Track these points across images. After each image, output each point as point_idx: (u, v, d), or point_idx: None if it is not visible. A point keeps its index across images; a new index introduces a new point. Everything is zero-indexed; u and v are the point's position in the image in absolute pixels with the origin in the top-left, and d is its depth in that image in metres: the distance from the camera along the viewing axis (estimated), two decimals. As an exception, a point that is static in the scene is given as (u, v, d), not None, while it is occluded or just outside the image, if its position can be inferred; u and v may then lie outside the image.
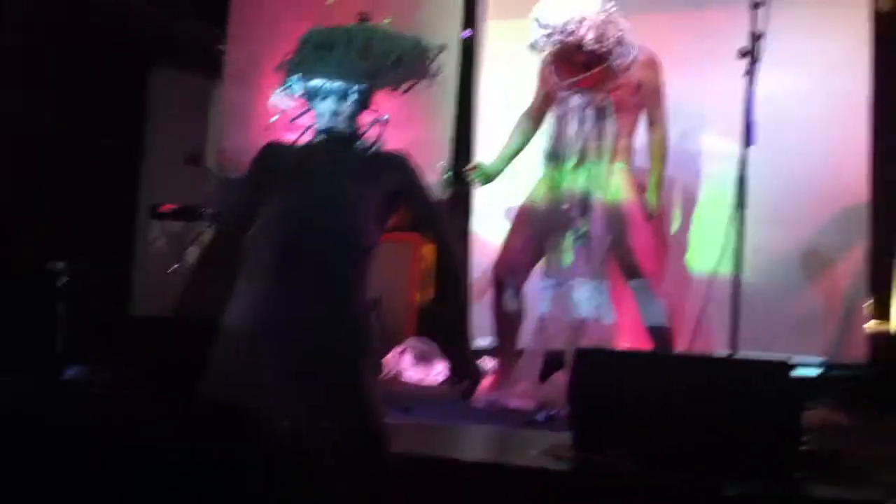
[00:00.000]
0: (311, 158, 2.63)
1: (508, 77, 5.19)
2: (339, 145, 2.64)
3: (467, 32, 5.51)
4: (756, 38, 3.82)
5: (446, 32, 5.31)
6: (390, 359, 5.07)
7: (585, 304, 4.30)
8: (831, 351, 4.59)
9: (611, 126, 4.34)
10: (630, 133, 4.41)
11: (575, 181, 4.35)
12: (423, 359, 5.08)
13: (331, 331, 2.48)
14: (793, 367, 2.89)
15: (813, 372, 4.44)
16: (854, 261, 4.61)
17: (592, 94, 4.35)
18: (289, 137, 2.73)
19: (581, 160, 4.35)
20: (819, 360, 4.54)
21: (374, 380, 2.61)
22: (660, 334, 4.23)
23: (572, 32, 4.17)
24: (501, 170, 4.58)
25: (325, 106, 2.63)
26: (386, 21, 2.72)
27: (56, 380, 4.15)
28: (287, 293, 2.48)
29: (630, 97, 4.35)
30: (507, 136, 4.61)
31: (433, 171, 5.23)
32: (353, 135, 2.65)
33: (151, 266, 5.35)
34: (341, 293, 2.51)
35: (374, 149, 2.65)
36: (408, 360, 5.06)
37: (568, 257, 4.36)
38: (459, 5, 5.34)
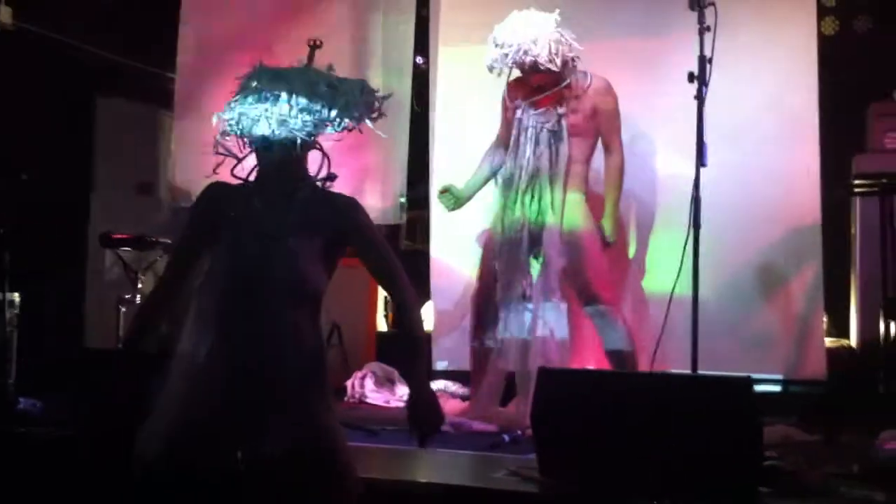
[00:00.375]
0: (255, 202, 2.54)
1: (462, 102, 5.21)
2: (283, 188, 2.56)
3: (420, 59, 5.54)
4: (704, 61, 3.87)
5: (400, 57, 5.32)
6: (352, 383, 5.04)
7: (542, 325, 4.31)
8: (789, 368, 4.64)
9: (565, 150, 4.38)
10: (586, 159, 4.45)
11: (528, 206, 4.38)
12: (385, 382, 5.05)
13: (280, 372, 2.43)
14: (753, 383, 2.91)
15: (772, 388, 4.48)
16: (808, 279, 4.66)
17: (547, 117, 4.39)
18: (233, 178, 2.64)
19: (533, 184, 4.38)
20: (778, 376, 4.59)
21: (332, 413, 2.54)
22: (620, 358, 4.25)
23: (527, 51, 4.22)
24: (470, 196, 4.63)
25: (269, 154, 2.55)
26: (327, 66, 2.65)
27: (9, 413, 4.07)
28: (234, 338, 2.43)
29: (585, 122, 4.39)
30: (477, 164, 4.66)
31: (389, 196, 5.23)
32: (298, 177, 2.58)
33: (104, 296, 5.25)
34: (288, 337, 2.45)
35: (318, 192, 2.58)
36: (370, 383, 5.02)
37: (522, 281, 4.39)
38: (411, 31, 5.35)
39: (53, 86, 5.55)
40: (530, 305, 4.35)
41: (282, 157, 2.52)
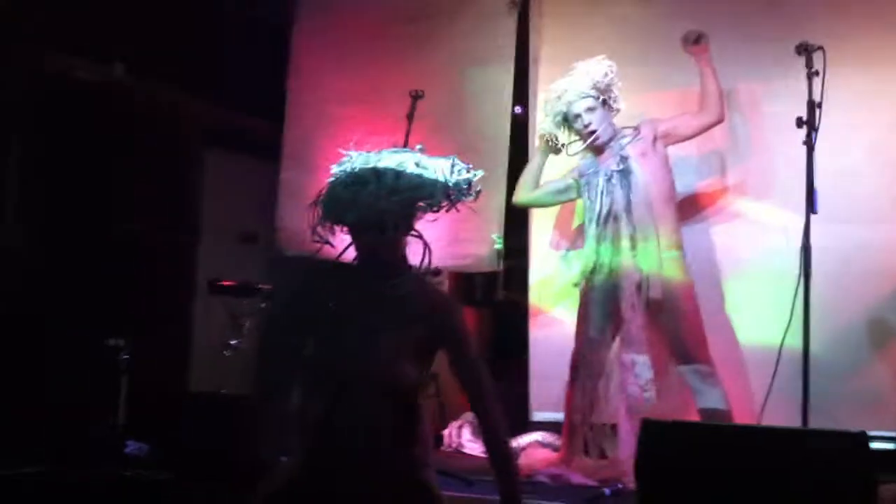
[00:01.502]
0: (353, 293, 2.60)
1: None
2: (381, 275, 2.59)
3: (519, 108, 5.56)
4: (813, 106, 3.81)
5: (498, 106, 5.36)
6: (449, 433, 5.03)
7: (634, 380, 4.23)
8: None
9: (639, 182, 4.34)
10: (667, 197, 4.39)
11: (611, 254, 4.36)
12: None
13: (383, 476, 2.48)
14: (869, 438, 2.80)
15: (886, 446, 4.31)
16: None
17: (610, 158, 4.44)
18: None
19: (611, 227, 4.34)
20: (891, 434, 4.41)
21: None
22: (715, 417, 4.14)
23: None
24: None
25: (364, 239, 2.58)
26: (418, 148, 2.67)
27: (119, 455, 4.17)
28: (333, 432, 2.51)
29: (651, 147, 4.40)
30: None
31: (486, 242, 5.24)
32: (395, 264, 2.60)
33: (210, 340, 5.38)
34: (388, 437, 2.51)
35: (417, 284, 2.60)
36: (466, 433, 5.01)
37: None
38: (510, 81, 5.39)
39: (163, 139, 5.76)
40: (627, 359, 4.28)
41: (376, 242, 2.54)
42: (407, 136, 4.70)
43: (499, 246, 5.38)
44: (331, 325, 2.55)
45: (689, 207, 4.77)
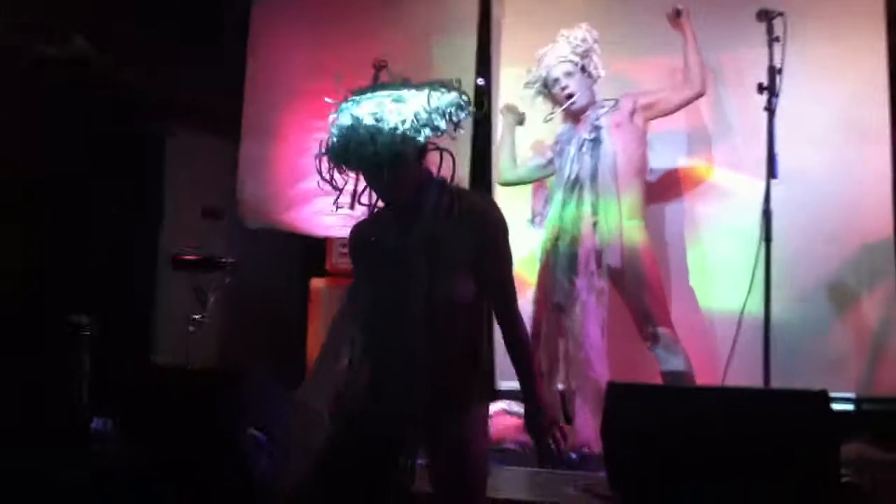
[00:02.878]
0: (386, 233, 2.62)
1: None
2: (406, 203, 2.60)
3: (482, 80, 5.55)
4: (774, 72, 3.83)
5: (462, 79, 5.33)
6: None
7: (590, 347, 4.26)
8: (862, 386, 4.53)
9: (608, 153, 4.35)
10: (637, 170, 4.41)
11: (574, 221, 4.40)
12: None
13: (444, 384, 2.56)
14: (831, 398, 2.84)
15: (845, 407, 4.38)
16: (881, 295, 4.56)
17: (584, 125, 4.47)
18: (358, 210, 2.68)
19: (576, 195, 4.36)
20: (851, 395, 4.49)
21: (485, 431, 2.69)
22: (678, 379, 4.20)
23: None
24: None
25: (373, 179, 2.58)
26: (400, 80, 2.64)
27: (84, 432, 4.14)
28: (386, 360, 2.59)
29: (628, 119, 4.41)
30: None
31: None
32: (414, 189, 2.58)
33: (173, 317, 5.34)
34: (448, 351, 2.56)
35: (448, 198, 2.59)
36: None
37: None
38: (473, 53, 5.37)
39: (125, 115, 5.68)
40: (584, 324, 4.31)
41: (385, 178, 2.53)
42: (369, 107, 4.66)
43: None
44: (372, 259, 2.62)
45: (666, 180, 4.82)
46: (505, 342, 2.70)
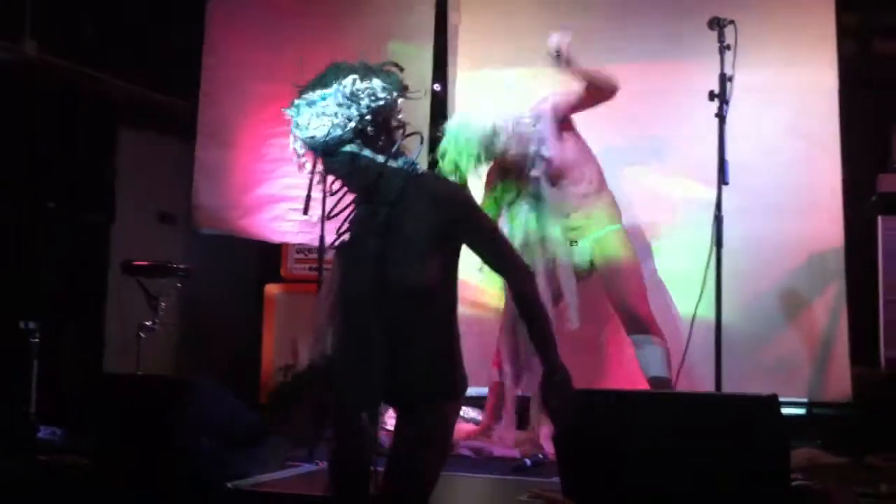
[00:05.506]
0: (356, 226, 2.65)
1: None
2: (371, 200, 2.61)
3: (438, 85, 5.55)
4: (724, 79, 3.87)
5: (418, 84, 5.32)
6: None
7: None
8: (813, 391, 4.59)
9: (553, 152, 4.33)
10: (594, 181, 4.41)
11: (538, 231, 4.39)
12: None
13: (415, 372, 2.57)
14: (781, 403, 2.87)
15: (796, 411, 4.43)
16: (831, 300, 4.62)
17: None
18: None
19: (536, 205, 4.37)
20: (802, 399, 4.54)
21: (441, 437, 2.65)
22: (662, 385, 4.20)
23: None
24: None
25: (330, 167, 2.59)
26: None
27: (31, 440, 4.06)
28: (361, 344, 2.58)
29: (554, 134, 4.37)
30: None
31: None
32: (377, 183, 2.58)
33: (124, 323, 5.26)
34: (420, 338, 2.57)
35: (412, 182, 2.58)
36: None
37: None
38: (429, 57, 5.37)
39: (77, 117, 5.60)
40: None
41: (335, 170, 2.57)
42: (326, 110, 4.63)
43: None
44: (346, 251, 2.65)
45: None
46: (519, 309, 2.71)
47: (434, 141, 5.31)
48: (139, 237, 5.75)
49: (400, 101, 2.60)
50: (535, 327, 2.65)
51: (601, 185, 4.46)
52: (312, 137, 2.53)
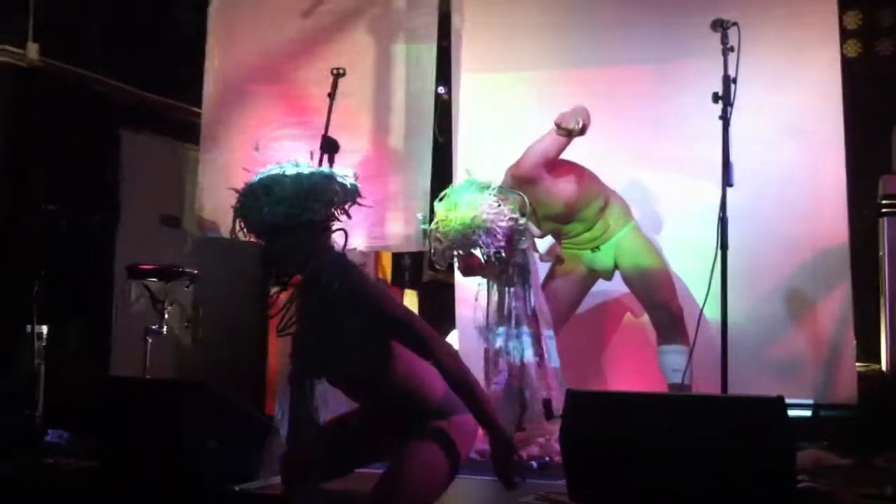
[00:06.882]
0: (301, 294, 2.95)
1: (484, 130, 5.22)
2: (305, 274, 2.90)
3: (442, 89, 5.55)
4: (729, 81, 3.86)
5: (422, 86, 5.34)
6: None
7: (528, 353, 4.21)
8: (819, 393, 4.58)
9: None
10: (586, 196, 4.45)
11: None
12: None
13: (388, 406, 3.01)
14: (787, 404, 2.86)
15: (803, 413, 4.42)
16: (837, 302, 4.61)
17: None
18: None
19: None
20: (808, 401, 4.53)
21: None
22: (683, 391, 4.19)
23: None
24: None
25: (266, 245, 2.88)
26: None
27: (37, 444, 4.07)
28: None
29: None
30: None
31: (412, 223, 5.22)
32: (304, 266, 2.86)
33: (130, 327, 5.26)
34: (380, 389, 2.94)
35: (340, 277, 2.84)
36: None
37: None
38: (433, 60, 5.37)
39: (79, 121, 5.61)
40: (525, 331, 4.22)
41: (276, 251, 2.84)
42: (329, 114, 4.64)
43: (424, 226, 5.34)
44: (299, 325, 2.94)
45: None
46: (448, 383, 2.90)
47: (438, 145, 5.36)
48: (142, 240, 5.75)
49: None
50: (470, 404, 2.87)
51: (609, 194, 4.54)
52: (270, 203, 2.78)
